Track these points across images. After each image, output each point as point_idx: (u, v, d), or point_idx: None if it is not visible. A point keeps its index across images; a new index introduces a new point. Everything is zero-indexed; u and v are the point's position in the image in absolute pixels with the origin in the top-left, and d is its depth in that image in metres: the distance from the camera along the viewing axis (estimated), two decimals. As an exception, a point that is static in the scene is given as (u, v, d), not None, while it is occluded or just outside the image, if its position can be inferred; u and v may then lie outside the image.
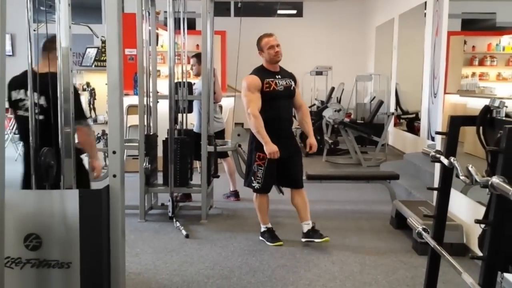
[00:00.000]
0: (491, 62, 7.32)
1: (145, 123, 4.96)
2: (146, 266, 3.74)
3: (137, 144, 4.99)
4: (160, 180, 5.09)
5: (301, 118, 4.29)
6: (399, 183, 5.76)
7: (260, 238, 4.29)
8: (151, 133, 5.02)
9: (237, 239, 4.37)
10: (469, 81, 7.10)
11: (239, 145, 5.26)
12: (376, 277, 3.58)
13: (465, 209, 4.01)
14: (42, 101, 2.93)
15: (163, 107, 5.12)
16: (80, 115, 3.01)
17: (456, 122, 2.58)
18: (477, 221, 2.05)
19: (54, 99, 2.51)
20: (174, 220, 4.69)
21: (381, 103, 8.93)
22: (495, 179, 1.82)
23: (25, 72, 3.22)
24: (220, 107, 7.18)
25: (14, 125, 8.68)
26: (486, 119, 2.42)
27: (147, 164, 4.85)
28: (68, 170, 2.37)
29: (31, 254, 2.18)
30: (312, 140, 4.24)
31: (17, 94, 3.12)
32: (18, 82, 3.08)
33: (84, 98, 7.16)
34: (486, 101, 2.45)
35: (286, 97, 4.12)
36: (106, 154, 5.36)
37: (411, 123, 9.24)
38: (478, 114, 2.44)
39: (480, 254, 2.06)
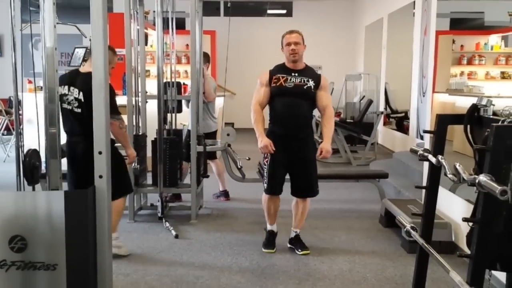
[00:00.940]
0: (479, 61, 7.35)
1: (134, 123, 4.93)
2: (135, 267, 3.71)
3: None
4: (149, 180, 5.06)
5: (322, 121, 3.98)
6: (388, 181, 5.78)
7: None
8: (140, 133, 4.99)
9: (226, 239, 4.36)
10: (458, 80, 7.13)
11: (229, 145, 5.24)
12: (365, 275, 3.58)
13: (454, 207, 4.03)
14: (81, 96, 3.66)
15: (152, 107, 5.09)
16: (113, 110, 3.45)
17: (444, 121, 2.59)
18: (465, 219, 2.06)
19: (87, 95, 3.36)
20: (164, 220, 4.66)
21: (370, 102, 8.94)
22: (482, 177, 1.82)
23: (71, 72, 4.05)
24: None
25: (2, 126, 8.60)
26: (474, 118, 2.43)
27: (136, 164, 4.82)
28: (54, 171, 2.33)
29: (16, 256, 2.14)
30: (324, 144, 3.85)
31: (62, 90, 3.74)
32: (64, 80, 3.80)
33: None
34: (474, 100, 2.46)
35: (296, 95, 3.85)
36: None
37: (400, 122, 9.28)
38: (466, 112, 2.45)
39: (468, 252, 2.06)
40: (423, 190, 2.77)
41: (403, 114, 9.30)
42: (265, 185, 3.98)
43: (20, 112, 2.89)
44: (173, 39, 5.06)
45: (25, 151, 2.38)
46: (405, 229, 2.60)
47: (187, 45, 8.88)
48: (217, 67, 10.57)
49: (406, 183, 5.74)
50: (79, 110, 3.68)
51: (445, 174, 2.18)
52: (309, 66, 4.02)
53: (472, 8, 7.56)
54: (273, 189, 3.95)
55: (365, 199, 5.77)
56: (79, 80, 3.77)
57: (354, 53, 12.67)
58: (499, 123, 2.09)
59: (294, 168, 3.91)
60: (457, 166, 2.00)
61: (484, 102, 2.40)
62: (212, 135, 5.58)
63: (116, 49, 7.85)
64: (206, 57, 5.54)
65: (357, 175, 5.85)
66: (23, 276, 2.15)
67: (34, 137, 2.44)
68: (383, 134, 10.05)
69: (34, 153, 2.36)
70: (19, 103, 2.55)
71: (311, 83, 3.88)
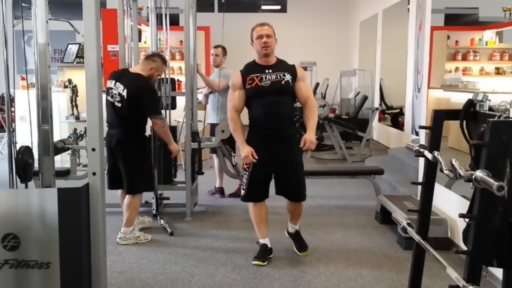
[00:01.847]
0: (474, 57, 7.36)
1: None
2: (129, 265, 3.69)
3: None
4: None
5: (304, 112, 3.69)
6: (384, 178, 5.78)
7: None
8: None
9: (222, 236, 4.34)
10: (453, 75, 7.13)
11: (223, 142, 5.22)
12: (361, 272, 3.58)
13: (450, 204, 4.03)
14: (124, 93, 3.96)
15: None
16: (156, 111, 4.10)
17: (440, 116, 2.58)
18: (461, 215, 2.04)
19: (130, 93, 3.92)
20: (158, 218, 4.64)
21: (365, 98, 8.95)
22: (479, 173, 1.81)
23: (122, 69, 4.50)
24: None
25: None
26: (470, 113, 2.41)
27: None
28: (47, 168, 2.31)
29: (9, 255, 2.12)
30: (308, 135, 3.57)
31: (109, 83, 4.10)
32: (113, 75, 4.16)
33: (66, 95, 7.08)
34: (470, 96, 2.45)
35: (274, 93, 3.57)
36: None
37: (396, 118, 9.29)
38: (462, 108, 2.44)
39: (464, 248, 2.05)
40: (419, 186, 2.75)
41: (398, 110, 9.31)
42: (243, 191, 3.72)
43: (13, 109, 2.86)
44: (166, 35, 5.03)
45: (17, 148, 2.36)
46: (401, 226, 2.58)
47: (181, 41, 8.86)
48: (212, 63, 10.51)
49: (401, 179, 5.74)
50: (119, 105, 4.00)
51: (441, 170, 2.17)
52: (280, 59, 3.73)
53: (467, 3, 7.57)
54: (253, 196, 3.71)
55: (360, 196, 5.76)
56: (126, 78, 4.08)
57: (349, 49, 12.66)
58: (496, 118, 2.08)
59: (279, 170, 3.65)
60: (454, 162, 1.99)
61: (480, 97, 2.38)
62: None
63: (109, 45, 7.87)
64: (224, 49, 5.74)
65: (353, 171, 5.84)
66: (16, 274, 2.13)
67: (27, 134, 2.42)
68: (378, 130, 10.06)
69: (27, 150, 2.34)
70: (11, 100, 2.53)
71: (287, 77, 3.61)
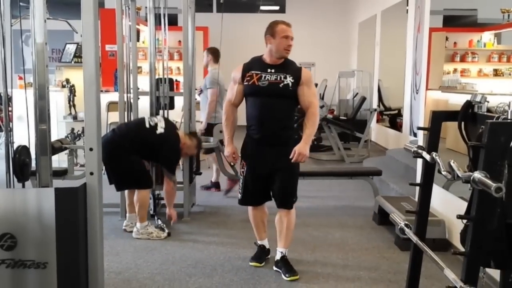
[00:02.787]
0: (472, 59, 7.37)
1: (126, 120, 4.89)
2: (127, 265, 3.68)
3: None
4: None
5: (304, 118, 3.47)
6: (382, 179, 5.78)
7: None
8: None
9: (219, 236, 4.34)
10: (451, 77, 7.14)
11: (221, 142, 5.21)
12: (359, 273, 3.57)
13: (448, 205, 4.03)
14: (159, 130, 4.24)
15: (144, 103, 5.05)
16: (171, 169, 4.34)
17: (438, 117, 2.58)
18: (459, 217, 2.04)
19: (162, 136, 4.23)
20: (156, 218, 4.63)
21: (363, 99, 8.95)
22: (477, 174, 1.81)
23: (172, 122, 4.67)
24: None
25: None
26: (468, 114, 2.41)
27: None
28: (44, 167, 2.31)
29: (6, 254, 2.12)
30: (301, 147, 3.32)
31: (160, 117, 4.54)
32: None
33: (64, 95, 7.07)
34: (468, 97, 2.45)
35: (270, 95, 3.37)
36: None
37: (394, 119, 9.30)
38: (460, 109, 2.44)
39: (462, 249, 2.05)
40: (417, 187, 2.75)
41: (396, 111, 9.32)
42: (239, 195, 3.65)
43: (10, 108, 2.86)
44: (165, 35, 5.02)
45: (15, 148, 2.35)
46: (399, 227, 2.58)
47: (180, 41, 8.85)
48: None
49: (399, 180, 5.74)
50: (148, 130, 4.31)
51: (439, 171, 2.17)
52: (289, 60, 3.47)
53: (465, 5, 7.58)
54: (248, 200, 3.63)
55: (358, 197, 5.76)
56: (170, 126, 4.42)
57: (348, 50, 12.67)
58: (494, 120, 2.08)
59: (272, 176, 3.47)
60: (452, 163, 1.99)
61: (478, 98, 2.38)
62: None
63: (108, 45, 7.85)
64: (209, 51, 5.77)
65: (351, 172, 5.84)
66: (12, 274, 2.12)
67: (24, 133, 2.41)
68: (377, 131, 10.06)
69: (24, 150, 2.34)
70: (9, 99, 2.52)
71: (288, 80, 3.36)
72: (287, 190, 3.51)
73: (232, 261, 3.77)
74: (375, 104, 9.61)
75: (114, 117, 5.99)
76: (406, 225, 2.56)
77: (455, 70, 7.33)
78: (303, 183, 5.77)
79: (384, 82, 9.76)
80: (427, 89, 5.48)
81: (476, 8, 7.47)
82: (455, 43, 7.47)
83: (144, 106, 5.06)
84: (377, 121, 9.86)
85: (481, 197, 1.91)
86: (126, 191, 4.49)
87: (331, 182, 6.16)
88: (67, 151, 4.86)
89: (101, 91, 6.62)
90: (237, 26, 12.12)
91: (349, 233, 4.46)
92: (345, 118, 9.23)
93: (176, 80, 5.67)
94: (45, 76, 2.27)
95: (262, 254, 3.72)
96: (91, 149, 2.13)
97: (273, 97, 3.38)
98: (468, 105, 2.42)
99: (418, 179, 2.75)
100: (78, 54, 7.29)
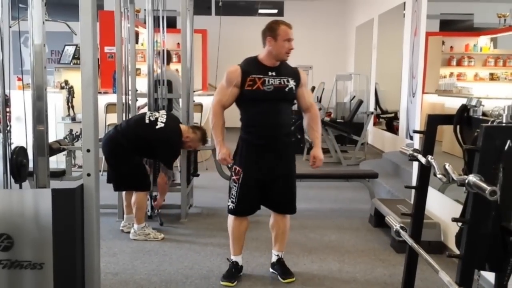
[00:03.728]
0: (468, 63, 7.39)
1: (124, 122, 4.90)
2: (124, 266, 3.69)
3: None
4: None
5: (307, 123, 3.42)
6: (378, 181, 5.80)
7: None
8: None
9: (216, 238, 4.34)
10: (447, 81, 7.16)
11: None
12: (354, 275, 3.59)
13: (443, 207, 4.04)
14: (159, 126, 4.22)
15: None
16: (168, 164, 4.32)
17: (434, 121, 2.60)
18: (454, 220, 2.06)
19: (161, 131, 4.19)
20: (156, 211, 4.70)
21: (360, 102, 8.97)
22: (472, 178, 1.82)
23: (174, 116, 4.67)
24: (201, 105, 7.16)
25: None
26: (463, 118, 2.44)
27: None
28: (42, 168, 2.31)
29: (3, 255, 2.11)
30: (316, 151, 3.36)
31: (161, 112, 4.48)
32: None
33: (62, 96, 7.08)
34: (464, 101, 2.47)
35: (276, 100, 3.24)
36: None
37: (390, 122, 9.32)
38: (455, 113, 2.46)
39: (457, 252, 2.07)
40: (413, 190, 2.77)
41: (393, 115, 9.34)
42: (231, 204, 3.36)
43: (8, 109, 2.86)
44: (163, 37, 5.03)
45: (12, 149, 2.35)
46: (394, 229, 2.60)
47: (178, 43, 8.86)
48: (208, 66, 10.55)
49: (395, 183, 5.76)
50: (147, 124, 4.31)
51: (435, 174, 2.18)
52: (284, 62, 3.36)
53: (462, 9, 7.61)
54: (244, 211, 3.39)
55: (355, 199, 5.78)
56: (172, 120, 4.41)
57: (345, 53, 12.70)
58: (489, 124, 2.10)
59: (271, 183, 3.33)
60: (447, 167, 2.01)
61: (473, 102, 2.40)
62: None
63: (107, 47, 7.85)
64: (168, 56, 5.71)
65: (347, 174, 5.85)
66: (9, 275, 2.12)
67: (23, 134, 2.42)
68: (373, 134, 10.08)
69: (21, 150, 2.34)
70: (7, 100, 2.52)
71: (291, 83, 3.27)
72: (291, 194, 3.44)
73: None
74: (372, 107, 9.64)
75: (113, 118, 6.00)
76: (401, 227, 2.57)
77: (451, 74, 7.35)
78: (300, 185, 5.76)
79: (381, 85, 9.79)
80: (423, 92, 5.51)
81: (473, 13, 7.50)
82: (451, 47, 7.49)
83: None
84: (374, 124, 9.88)
85: (476, 200, 1.93)
86: (123, 192, 4.52)
87: (327, 185, 6.18)
88: (65, 152, 4.88)
89: (100, 92, 6.67)
90: (235, 29, 12.13)
91: (346, 235, 4.47)
92: (342, 121, 9.24)
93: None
94: (43, 77, 2.27)
95: (234, 273, 3.46)
96: (88, 151, 2.13)
97: (278, 101, 3.26)
98: (464, 108, 2.44)
99: (414, 182, 2.77)
100: (77, 56, 7.30)
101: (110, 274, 3.54)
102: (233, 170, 3.36)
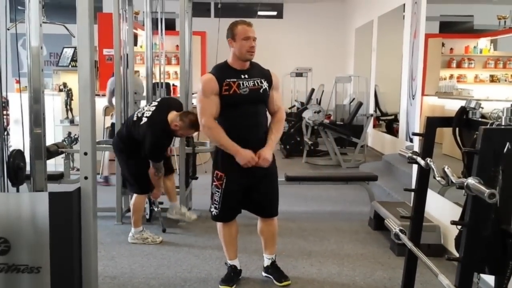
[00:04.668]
0: (468, 65, 7.40)
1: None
2: (122, 270, 3.67)
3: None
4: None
5: (271, 123, 3.36)
6: (378, 184, 5.78)
7: None
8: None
9: (215, 241, 4.31)
10: (447, 83, 7.17)
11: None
12: (354, 278, 3.57)
13: (443, 210, 4.03)
14: (144, 119, 4.12)
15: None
16: (152, 157, 4.14)
17: (433, 123, 2.59)
18: (453, 222, 2.05)
19: (144, 126, 4.07)
20: (156, 208, 4.73)
21: (360, 104, 8.96)
22: (471, 180, 1.82)
23: (164, 100, 4.45)
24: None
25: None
26: (462, 120, 2.43)
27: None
28: (39, 172, 2.30)
29: (0, 259, 2.11)
30: (265, 150, 3.21)
31: (150, 104, 4.36)
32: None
33: (61, 99, 7.07)
34: (464, 103, 2.46)
35: (252, 102, 3.23)
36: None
37: (390, 125, 9.31)
38: (454, 115, 2.45)
39: (457, 255, 2.05)
40: (412, 193, 2.76)
41: (392, 117, 9.33)
42: (214, 210, 3.33)
43: (5, 112, 2.86)
44: (162, 39, 5.03)
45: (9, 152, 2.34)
46: (393, 232, 2.58)
47: (177, 46, 8.86)
48: (207, 68, 10.54)
49: (395, 186, 5.75)
50: (135, 123, 4.27)
51: (434, 177, 2.17)
52: (254, 63, 3.33)
53: (462, 11, 7.62)
54: (227, 215, 3.36)
55: (354, 202, 5.77)
56: (159, 111, 4.22)
57: (344, 55, 12.70)
58: (488, 126, 2.09)
59: (254, 185, 3.30)
60: (446, 169, 2.00)
61: (472, 104, 2.39)
62: None
63: (105, 49, 7.84)
64: None
65: (347, 177, 5.83)
66: (6, 279, 2.11)
67: (21, 137, 2.41)
68: (373, 136, 10.08)
69: (18, 153, 2.33)
70: (6, 103, 2.52)
71: (265, 84, 3.26)
72: (273, 196, 3.39)
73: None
74: (371, 110, 9.64)
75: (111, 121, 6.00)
76: (401, 230, 2.56)
77: (451, 76, 7.36)
78: (300, 188, 5.82)
79: (381, 87, 9.78)
80: (423, 94, 5.51)
81: (473, 15, 7.50)
82: (451, 49, 7.49)
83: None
84: (374, 126, 9.87)
85: (475, 203, 1.92)
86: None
87: (327, 187, 6.16)
88: (63, 155, 4.87)
89: (98, 95, 6.65)
90: (234, 31, 12.13)
91: (345, 238, 4.46)
92: (341, 123, 9.24)
93: (173, 85, 5.67)
94: (40, 80, 2.26)
95: (233, 276, 3.45)
96: (85, 154, 2.12)
97: (254, 103, 3.24)
98: (463, 111, 2.43)
99: (414, 185, 2.75)
100: (75, 58, 7.29)
101: (108, 277, 3.52)
102: (214, 175, 3.31)
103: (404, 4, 8.28)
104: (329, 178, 5.78)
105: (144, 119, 4.09)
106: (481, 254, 1.99)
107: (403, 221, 3.26)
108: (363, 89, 9.91)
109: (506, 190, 1.92)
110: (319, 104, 9.96)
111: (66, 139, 6.75)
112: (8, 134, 2.46)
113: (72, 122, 6.94)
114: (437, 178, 2.08)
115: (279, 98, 3.41)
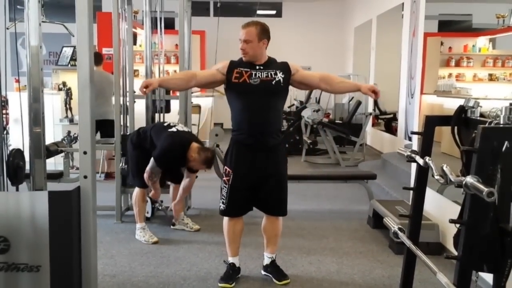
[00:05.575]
0: (467, 63, 7.40)
1: (122, 123, 4.90)
2: (121, 268, 3.68)
3: (113, 144, 4.92)
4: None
5: (332, 86, 3.34)
6: (377, 182, 5.79)
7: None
8: (128, 133, 4.96)
9: (214, 240, 4.33)
10: (446, 81, 7.16)
11: (217, 145, 5.22)
12: (352, 276, 3.58)
13: (442, 209, 4.04)
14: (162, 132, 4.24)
15: (140, 107, 5.06)
16: (156, 158, 4.10)
17: (432, 122, 2.59)
18: (452, 221, 2.06)
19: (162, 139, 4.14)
20: (158, 205, 4.76)
21: (359, 103, 8.97)
22: (469, 179, 1.82)
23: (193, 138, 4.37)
24: (199, 107, 7.15)
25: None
26: (461, 119, 2.43)
27: (123, 164, 4.79)
28: (38, 171, 2.31)
29: (-1, 257, 2.11)
30: (367, 85, 3.25)
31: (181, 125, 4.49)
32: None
33: (60, 98, 7.07)
34: (462, 102, 2.46)
35: (263, 94, 3.17)
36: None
37: (389, 123, 9.32)
38: (453, 114, 2.45)
39: (456, 253, 2.06)
40: (411, 191, 2.77)
41: (391, 116, 9.34)
42: (222, 205, 3.35)
43: (5, 111, 2.86)
44: (161, 38, 5.03)
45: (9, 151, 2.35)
46: (392, 231, 2.59)
47: (176, 45, 8.87)
48: (207, 67, 10.55)
49: (394, 184, 5.76)
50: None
51: (433, 176, 2.18)
52: (271, 58, 3.36)
53: (460, 10, 7.61)
54: (234, 211, 3.37)
55: (353, 200, 5.77)
56: (185, 134, 4.37)
57: (343, 54, 12.70)
58: (486, 125, 2.10)
59: (263, 184, 3.30)
60: (444, 168, 2.00)
61: (471, 103, 2.40)
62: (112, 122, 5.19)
63: (105, 48, 7.84)
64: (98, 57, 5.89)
65: (346, 176, 5.85)
66: (5, 277, 2.12)
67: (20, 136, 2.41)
68: (372, 135, 10.08)
69: (18, 153, 2.34)
70: (5, 102, 2.52)
71: (279, 76, 3.22)
72: (280, 196, 3.38)
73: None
74: (370, 108, 9.63)
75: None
76: (399, 229, 2.57)
77: (450, 75, 7.35)
78: (299, 187, 5.82)
79: (380, 86, 9.69)
80: (422, 93, 5.50)
81: (471, 13, 7.50)
82: (450, 47, 7.49)
83: (140, 109, 5.07)
84: (373, 125, 9.88)
85: (474, 202, 1.92)
86: (170, 187, 4.66)
87: (326, 186, 6.17)
88: (63, 154, 4.87)
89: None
90: (233, 30, 12.10)
91: (344, 237, 4.47)
92: (340, 122, 9.24)
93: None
94: (39, 79, 2.27)
95: (232, 274, 3.45)
96: (85, 153, 2.13)
97: (265, 96, 3.20)
98: (461, 110, 2.43)
99: (412, 183, 2.76)
100: (75, 58, 7.29)
101: (107, 276, 3.53)
102: (223, 171, 3.37)
103: (403, 3, 8.28)
104: (328, 177, 5.80)
105: (174, 129, 4.20)
106: (479, 253, 2.00)
107: (401, 219, 3.27)
108: (362, 88, 9.90)
109: (505, 188, 1.92)
110: (318, 103, 9.96)
111: (65, 138, 6.74)
112: (7, 133, 2.47)
113: (71, 121, 6.94)
114: (436, 177, 2.08)
115: (311, 73, 3.50)
